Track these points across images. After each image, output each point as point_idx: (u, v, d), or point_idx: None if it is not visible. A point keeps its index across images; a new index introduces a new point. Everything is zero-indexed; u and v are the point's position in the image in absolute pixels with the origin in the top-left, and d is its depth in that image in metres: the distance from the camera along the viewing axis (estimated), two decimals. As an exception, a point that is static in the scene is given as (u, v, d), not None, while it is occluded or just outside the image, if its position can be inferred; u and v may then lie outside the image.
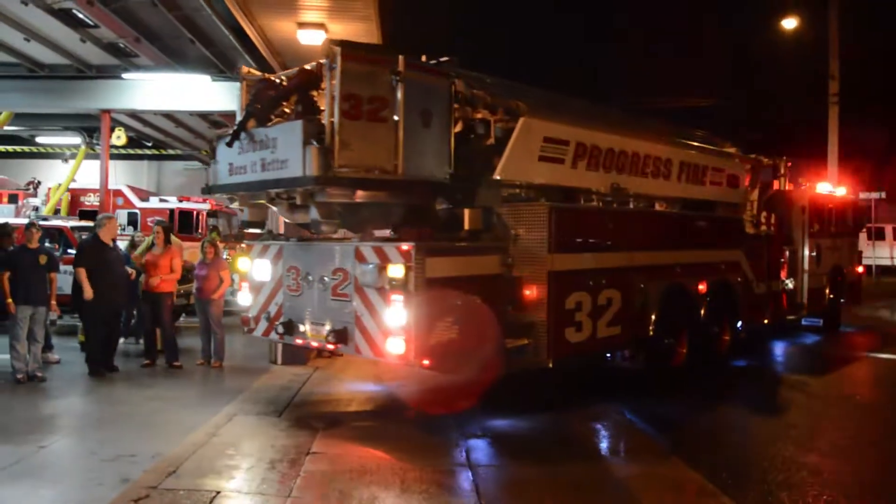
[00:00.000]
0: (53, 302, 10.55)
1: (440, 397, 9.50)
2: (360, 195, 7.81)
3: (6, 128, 22.59)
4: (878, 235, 29.13)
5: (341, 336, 8.17)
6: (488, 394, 8.58)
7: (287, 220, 8.90)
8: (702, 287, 11.36)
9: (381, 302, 7.80)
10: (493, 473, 7.08)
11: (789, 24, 23.76)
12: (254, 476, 6.55)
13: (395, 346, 7.66)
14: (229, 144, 8.21)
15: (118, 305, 11.42)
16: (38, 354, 10.38)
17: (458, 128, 8.78)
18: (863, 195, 23.37)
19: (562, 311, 8.97)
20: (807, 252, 14.59)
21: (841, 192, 16.93)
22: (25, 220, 14.51)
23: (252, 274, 9.39)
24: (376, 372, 11.11)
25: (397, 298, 7.63)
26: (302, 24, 13.93)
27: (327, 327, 8.33)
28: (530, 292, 8.84)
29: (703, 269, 11.42)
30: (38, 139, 26.70)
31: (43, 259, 10.40)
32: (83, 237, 13.58)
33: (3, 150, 26.63)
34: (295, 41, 14.30)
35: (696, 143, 12.16)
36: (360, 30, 15.86)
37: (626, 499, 6.52)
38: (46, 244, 11.94)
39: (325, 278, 8.41)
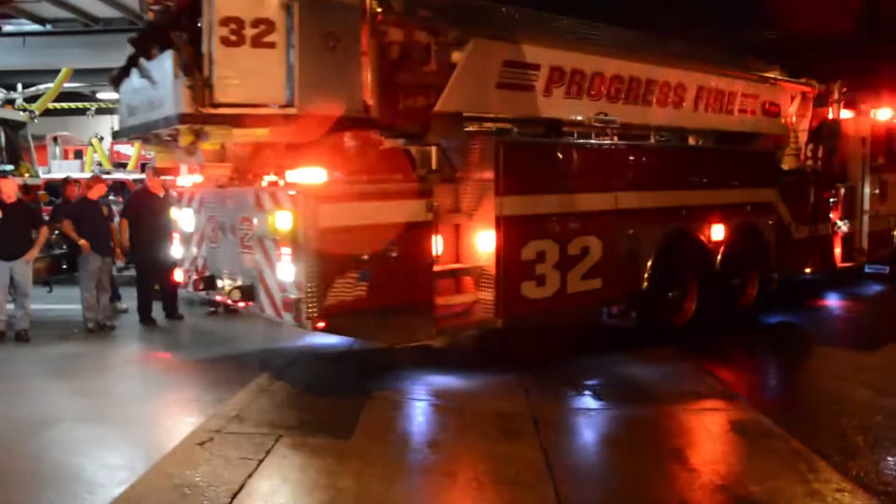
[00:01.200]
0: (118, 250, 10.33)
1: (504, 343, 8.60)
2: (252, 134, 6.47)
3: (67, 84, 22.34)
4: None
5: (248, 293, 6.96)
6: (549, 341, 8.48)
7: (185, 165, 7.67)
8: (717, 232, 9.47)
9: (275, 255, 6.51)
10: (557, 416, 6.47)
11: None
12: (316, 418, 6.26)
13: (288, 306, 6.38)
14: (115, 83, 7.04)
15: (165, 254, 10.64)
16: (107, 304, 10.18)
17: (394, 53, 7.30)
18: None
19: (516, 263, 7.44)
20: (867, 190, 12.21)
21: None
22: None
23: (180, 224, 8.25)
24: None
25: (286, 251, 6.32)
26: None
27: (238, 282, 7.12)
28: (476, 241, 7.37)
29: (720, 211, 9.50)
30: (99, 94, 26.60)
31: (105, 210, 10.15)
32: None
33: (67, 106, 26.63)
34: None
35: (718, 66, 10.07)
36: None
37: (691, 441, 6.04)
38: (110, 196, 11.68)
39: (236, 228, 7.17)
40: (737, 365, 8.35)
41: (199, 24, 6.56)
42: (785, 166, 11.13)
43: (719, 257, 9.50)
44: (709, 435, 6.24)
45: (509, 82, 7.82)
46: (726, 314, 9.81)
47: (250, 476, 5.02)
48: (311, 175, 6.33)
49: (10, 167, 13.40)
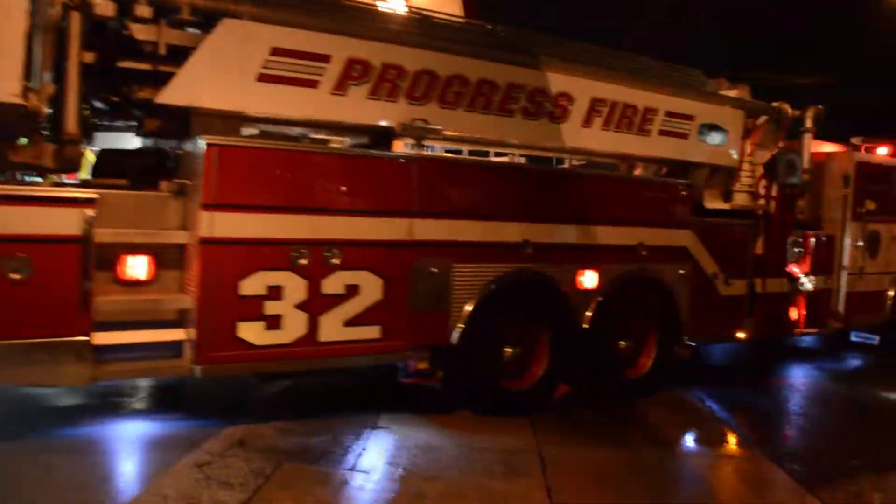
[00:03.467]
0: None
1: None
2: None
3: None
4: None
5: None
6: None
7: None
8: (586, 279, 7.16)
9: None
10: (561, 455, 5.86)
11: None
12: (318, 448, 5.71)
13: None
14: None
15: None
16: None
17: (100, 31, 5.68)
18: None
19: (230, 298, 5.56)
20: (848, 241, 9.35)
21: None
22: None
23: None
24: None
25: None
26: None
27: None
28: (189, 266, 5.57)
29: (592, 252, 7.20)
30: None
31: None
32: None
33: None
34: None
35: (627, 75, 7.73)
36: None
37: (702, 494, 5.53)
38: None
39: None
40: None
41: None
42: (727, 205, 8.56)
43: (590, 312, 7.17)
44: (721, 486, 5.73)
45: (278, 75, 5.94)
46: (605, 383, 7.46)
47: (247, 502, 4.64)
48: None
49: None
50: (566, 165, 8.64)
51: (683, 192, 7.85)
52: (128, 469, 5.35)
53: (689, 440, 6.78)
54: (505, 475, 5.35)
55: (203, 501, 4.60)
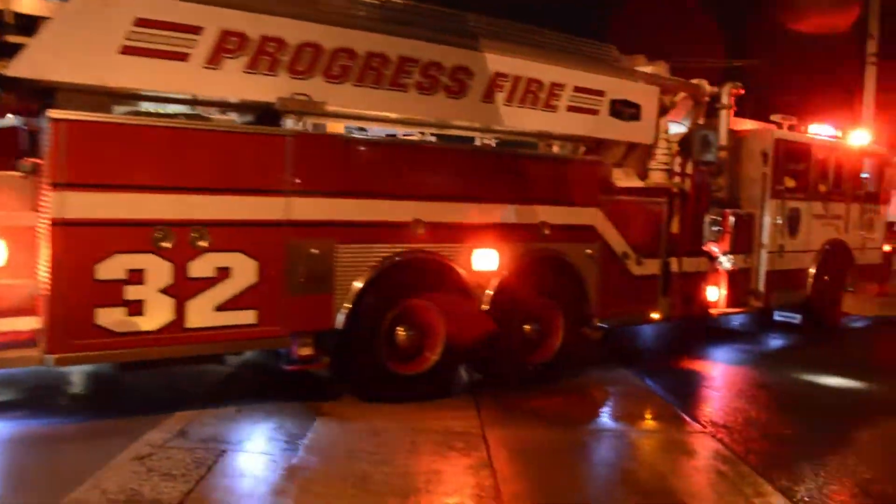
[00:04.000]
0: None
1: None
2: None
3: None
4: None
5: None
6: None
7: None
8: (485, 260, 6.97)
9: None
10: (505, 436, 5.93)
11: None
12: (261, 435, 5.68)
13: None
14: None
15: None
16: None
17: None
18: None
19: (86, 282, 5.27)
20: (768, 219, 9.24)
21: (862, 139, 10.89)
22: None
23: None
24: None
25: None
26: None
27: None
28: (41, 249, 5.28)
29: (490, 232, 6.99)
30: None
31: None
32: None
33: None
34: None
35: (535, 48, 7.50)
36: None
37: (637, 465, 5.62)
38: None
39: None
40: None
41: None
42: (643, 183, 8.40)
43: (490, 293, 6.97)
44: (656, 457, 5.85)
45: (143, 47, 5.63)
46: (509, 368, 7.28)
47: (189, 493, 4.53)
48: None
49: None
50: (478, 144, 8.42)
51: (590, 169, 7.65)
52: (65, 465, 5.09)
53: (628, 417, 6.83)
54: (450, 456, 5.36)
55: (145, 494, 4.48)
